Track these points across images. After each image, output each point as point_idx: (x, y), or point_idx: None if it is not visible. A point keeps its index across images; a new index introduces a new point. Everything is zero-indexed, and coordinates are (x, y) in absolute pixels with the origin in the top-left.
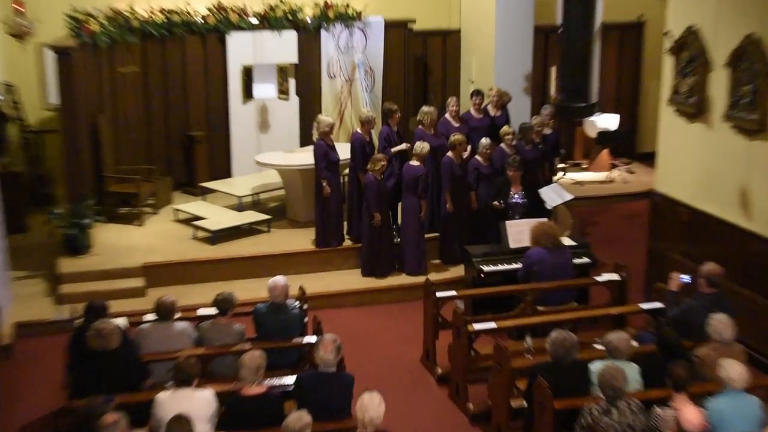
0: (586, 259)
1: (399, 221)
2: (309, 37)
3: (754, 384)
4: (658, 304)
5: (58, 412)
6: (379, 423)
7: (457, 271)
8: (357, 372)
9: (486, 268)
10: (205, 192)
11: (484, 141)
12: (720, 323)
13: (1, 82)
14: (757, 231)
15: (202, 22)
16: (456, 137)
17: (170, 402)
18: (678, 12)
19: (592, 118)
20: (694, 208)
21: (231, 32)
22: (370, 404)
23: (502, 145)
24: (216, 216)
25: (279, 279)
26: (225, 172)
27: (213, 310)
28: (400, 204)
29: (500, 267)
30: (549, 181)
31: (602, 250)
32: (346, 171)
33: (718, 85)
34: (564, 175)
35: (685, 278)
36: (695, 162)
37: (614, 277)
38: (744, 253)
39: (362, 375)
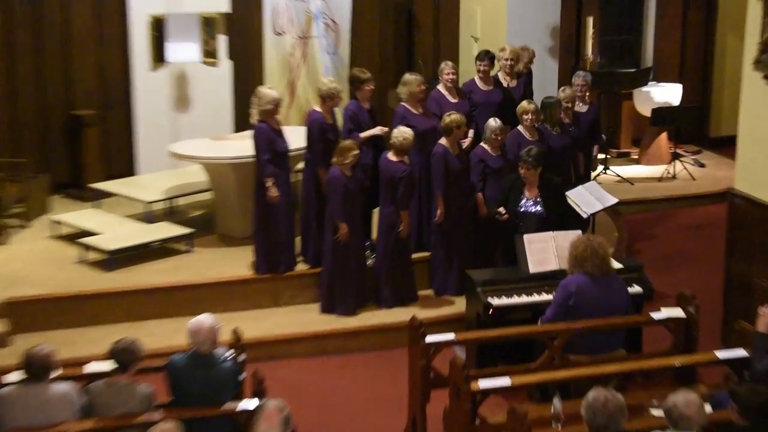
0: (637, 288)
1: (374, 236)
2: None
3: None
4: (741, 352)
5: None
6: None
7: (456, 305)
8: None
9: (495, 302)
10: (98, 196)
11: (493, 123)
12: None
13: None
14: None
15: None
16: (452, 117)
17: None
18: None
19: (645, 89)
20: None
21: None
22: None
23: (520, 128)
24: (114, 230)
25: (204, 319)
26: (126, 169)
27: (109, 365)
28: (376, 211)
29: (515, 300)
30: (584, 179)
31: (660, 276)
32: (300, 166)
33: None
34: (605, 170)
35: None
36: None
37: (678, 313)
38: None
39: None
